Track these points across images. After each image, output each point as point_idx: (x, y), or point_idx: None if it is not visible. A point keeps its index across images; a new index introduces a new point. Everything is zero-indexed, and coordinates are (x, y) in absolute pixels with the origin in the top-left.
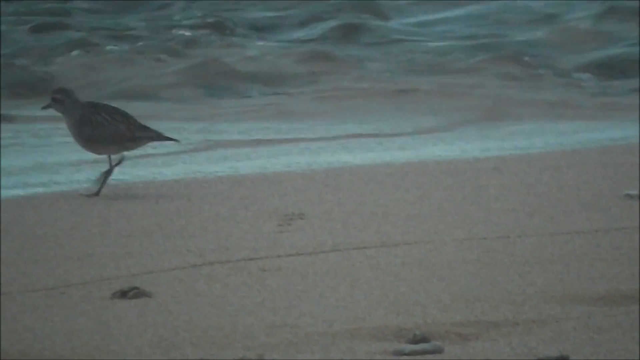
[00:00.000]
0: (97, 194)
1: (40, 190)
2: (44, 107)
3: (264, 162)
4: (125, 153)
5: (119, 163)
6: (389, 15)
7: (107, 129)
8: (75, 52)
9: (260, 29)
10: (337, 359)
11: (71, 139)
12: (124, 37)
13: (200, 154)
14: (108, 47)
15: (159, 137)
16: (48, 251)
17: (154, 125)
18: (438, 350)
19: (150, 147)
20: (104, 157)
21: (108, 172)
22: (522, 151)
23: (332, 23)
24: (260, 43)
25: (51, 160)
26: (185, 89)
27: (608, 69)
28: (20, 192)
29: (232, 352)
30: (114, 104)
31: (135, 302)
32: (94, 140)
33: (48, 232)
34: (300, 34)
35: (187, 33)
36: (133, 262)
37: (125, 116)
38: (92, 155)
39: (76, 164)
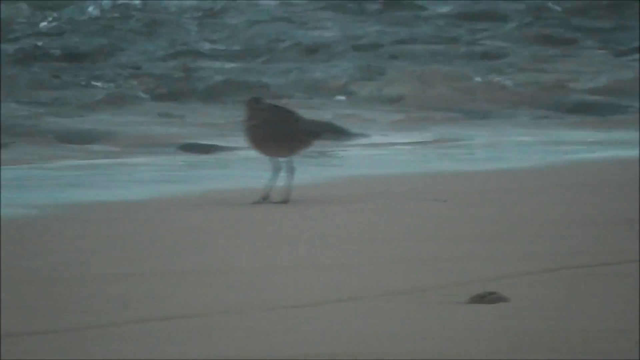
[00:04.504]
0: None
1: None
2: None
3: None
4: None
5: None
6: None
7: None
8: None
9: None
10: None
11: None
12: None
13: None
14: None
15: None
16: (404, 255)
17: None
18: None
19: None
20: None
21: (291, 174)
22: None
23: None
24: None
25: None
26: None
27: None
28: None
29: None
30: None
31: (492, 307)
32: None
33: (404, 236)
34: None
35: None
36: (490, 266)
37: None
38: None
39: None
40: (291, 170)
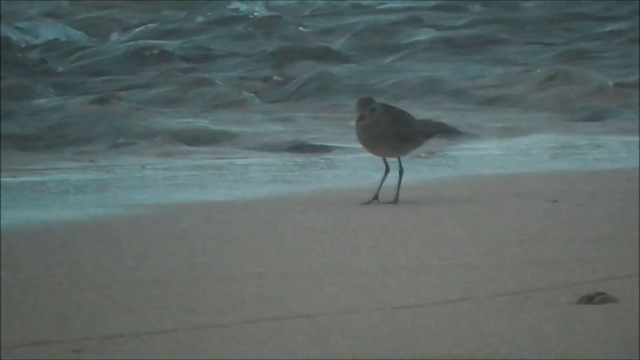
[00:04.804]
0: (395, 201)
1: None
2: (359, 120)
3: None
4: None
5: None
6: None
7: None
8: None
9: None
10: None
11: None
12: None
13: None
14: None
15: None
16: (514, 256)
17: None
18: None
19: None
20: None
21: (400, 174)
22: None
23: None
24: None
25: None
26: None
27: None
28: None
29: None
30: None
31: (601, 308)
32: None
33: (513, 236)
34: None
35: None
36: (599, 267)
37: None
38: None
39: None
40: (401, 171)
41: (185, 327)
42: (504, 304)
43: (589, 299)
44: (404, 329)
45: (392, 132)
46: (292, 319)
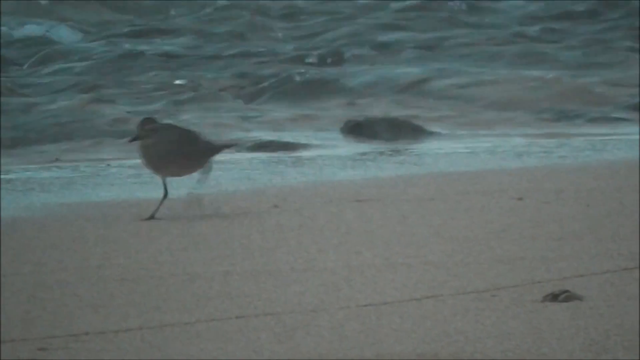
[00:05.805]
0: (152, 217)
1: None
2: (131, 140)
3: None
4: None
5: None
6: None
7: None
8: None
9: None
10: None
11: None
12: None
13: None
14: None
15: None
16: (479, 254)
17: None
18: None
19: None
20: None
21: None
22: None
23: None
24: None
25: None
26: None
27: None
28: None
29: None
30: None
31: (566, 305)
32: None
33: (479, 234)
34: None
35: None
36: (564, 265)
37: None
38: None
39: None
40: (206, 176)
41: (151, 325)
42: (469, 302)
43: (554, 297)
44: (370, 327)
45: (176, 151)
46: (257, 317)
